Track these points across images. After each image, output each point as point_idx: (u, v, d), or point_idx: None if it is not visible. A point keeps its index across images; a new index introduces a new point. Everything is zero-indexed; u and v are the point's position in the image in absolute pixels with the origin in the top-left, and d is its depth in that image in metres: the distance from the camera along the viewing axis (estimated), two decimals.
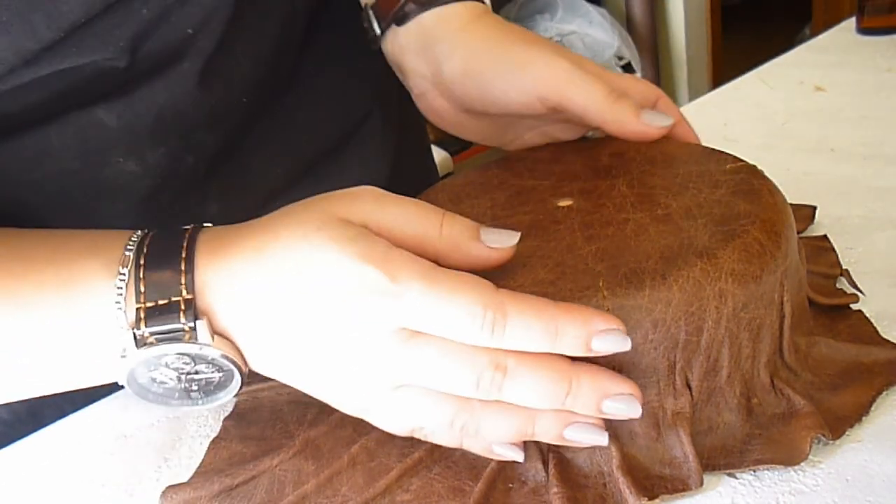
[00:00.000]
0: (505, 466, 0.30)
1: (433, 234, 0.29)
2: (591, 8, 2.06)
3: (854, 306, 0.36)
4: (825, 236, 0.42)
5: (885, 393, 0.31)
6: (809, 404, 0.30)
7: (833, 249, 0.41)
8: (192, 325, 0.28)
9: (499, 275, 0.32)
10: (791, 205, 0.45)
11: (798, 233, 0.43)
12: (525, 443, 0.30)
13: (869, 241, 0.42)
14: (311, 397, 0.39)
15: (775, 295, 0.31)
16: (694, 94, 2.39)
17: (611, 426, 0.30)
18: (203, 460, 0.36)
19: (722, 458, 0.30)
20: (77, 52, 0.35)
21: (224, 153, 0.44)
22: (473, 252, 0.30)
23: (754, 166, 0.37)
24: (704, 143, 0.41)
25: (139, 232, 0.30)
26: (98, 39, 0.35)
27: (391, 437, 0.34)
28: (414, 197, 0.42)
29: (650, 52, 2.24)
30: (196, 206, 0.44)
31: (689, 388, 0.30)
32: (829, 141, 0.56)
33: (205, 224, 0.32)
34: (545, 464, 0.30)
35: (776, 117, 0.62)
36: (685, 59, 2.34)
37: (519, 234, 0.30)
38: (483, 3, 0.45)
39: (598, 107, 0.40)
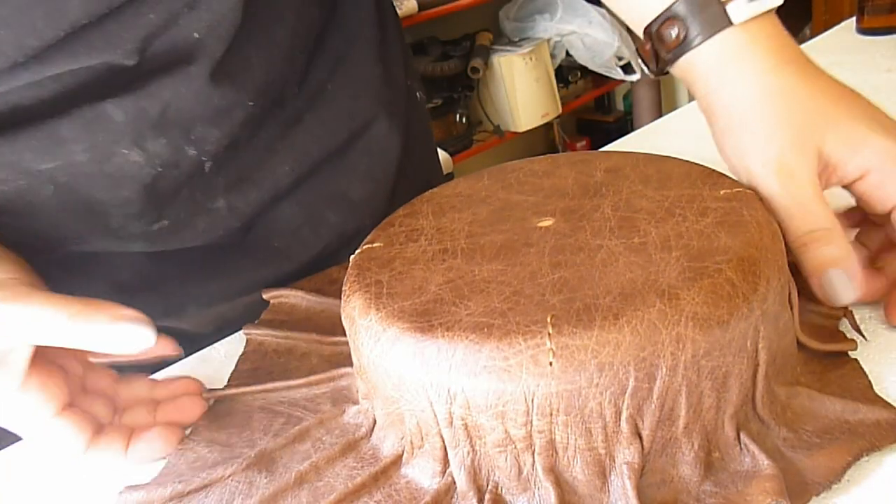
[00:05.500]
0: (441, 502, 0.29)
1: None
2: (591, 8, 2.05)
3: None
4: None
5: (865, 458, 0.28)
6: (774, 466, 0.27)
7: None
8: None
9: (454, 299, 0.30)
10: None
11: None
12: (464, 479, 0.29)
13: None
14: (280, 405, 0.39)
15: (747, 342, 0.28)
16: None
17: (553, 470, 0.28)
18: (168, 460, 0.37)
19: None
20: (87, 52, 0.36)
21: (230, 150, 0.44)
22: None
23: (751, 193, 0.34)
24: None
25: None
26: (107, 41, 0.36)
27: (342, 457, 0.33)
28: (404, 204, 0.41)
29: None
30: (203, 200, 0.45)
31: (640, 437, 0.28)
32: None
33: None
34: (481, 503, 0.29)
35: None
36: None
37: (152, 335, 0.33)
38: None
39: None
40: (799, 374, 0.32)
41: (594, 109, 2.50)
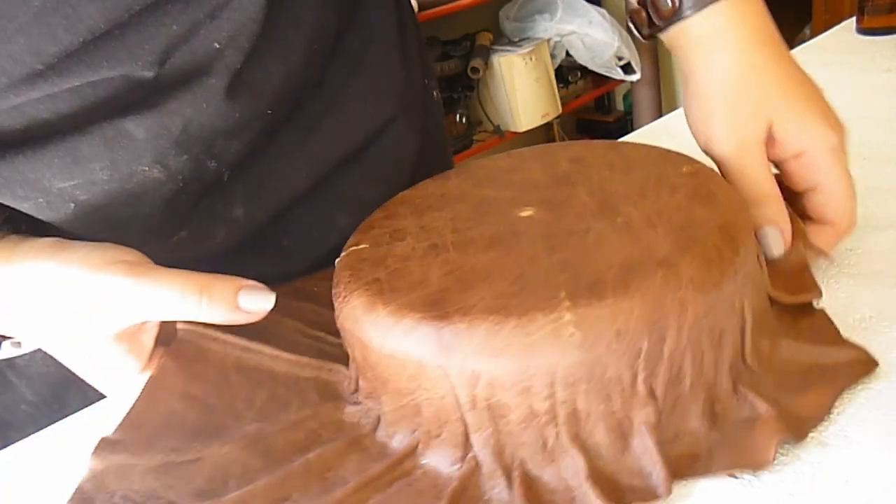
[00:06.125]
0: (468, 485, 0.30)
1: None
2: (591, 8, 2.04)
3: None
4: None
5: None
6: (772, 409, 0.30)
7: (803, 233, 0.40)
8: None
9: (461, 288, 0.31)
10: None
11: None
12: (490, 460, 0.30)
13: (869, 242, 0.42)
14: (260, 374, 0.38)
15: (735, 301, 0.31)
16: None
17: (578, 438, 0.30)
18: (135, 405, 0.35)
19: (689, 466, 0.30)
20: (106, 63, 0.36)
21: (248, 159, 0.44)
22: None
23: (710, 170, 0.37)
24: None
25: None
26: (127, 52, 0.36)
27: (347, 453, 0.33)
28: (376, 209, 0.42)
29: (650, 52, 2.19)
30: (222, 210, 0.45)
31: (654, 397, 0.30)
32: None
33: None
34: (510, 481, 0.30)
35: None
36: None
37: (274, 296, 0.36)
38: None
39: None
40: (776, 326, 0.35)
41: (594, 109, 2.47)
